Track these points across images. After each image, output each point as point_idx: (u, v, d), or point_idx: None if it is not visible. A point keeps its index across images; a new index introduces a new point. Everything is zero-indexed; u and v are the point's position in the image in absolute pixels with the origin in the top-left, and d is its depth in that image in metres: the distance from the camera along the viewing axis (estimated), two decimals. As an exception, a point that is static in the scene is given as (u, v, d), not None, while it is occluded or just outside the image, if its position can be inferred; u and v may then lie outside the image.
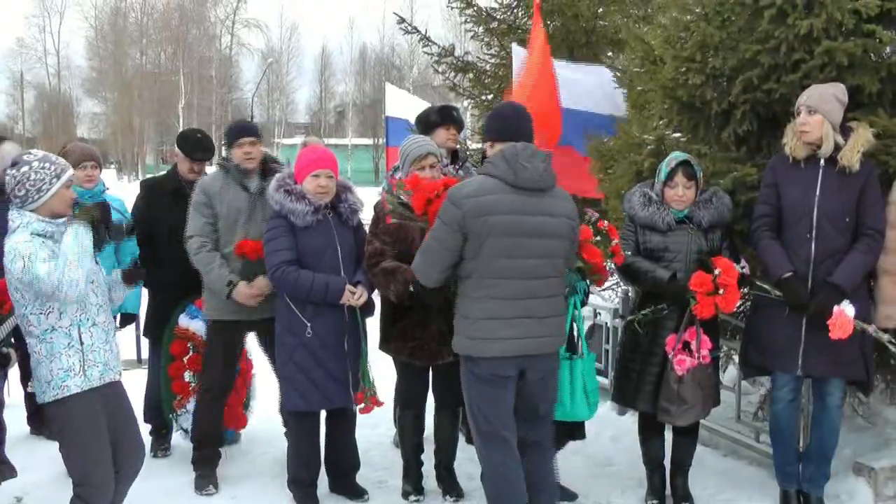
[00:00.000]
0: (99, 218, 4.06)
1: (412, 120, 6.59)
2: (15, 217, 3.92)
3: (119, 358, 4.22)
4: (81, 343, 3.97)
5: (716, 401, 4.95)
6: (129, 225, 4.96)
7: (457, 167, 5.80)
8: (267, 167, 5.37)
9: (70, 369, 3.94)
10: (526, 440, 4.27)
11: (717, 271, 4.59)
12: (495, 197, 3.97)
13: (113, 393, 4.14)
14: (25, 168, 3.91)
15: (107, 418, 4.07)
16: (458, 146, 6.03)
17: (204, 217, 5.20)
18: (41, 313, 3.91)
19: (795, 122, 4.62)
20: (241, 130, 5.33)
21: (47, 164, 3.95)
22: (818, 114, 4.51)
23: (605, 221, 4.56)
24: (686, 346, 4.71)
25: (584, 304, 4.58)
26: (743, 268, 4.69)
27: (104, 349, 4.07)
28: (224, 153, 5.44)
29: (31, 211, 3.91)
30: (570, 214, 4.17)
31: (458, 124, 5.98)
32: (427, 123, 5.83)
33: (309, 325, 4.73)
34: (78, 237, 3.87)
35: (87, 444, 3.99)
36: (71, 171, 4.06)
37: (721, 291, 4.57)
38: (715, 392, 4.94)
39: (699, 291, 4.59)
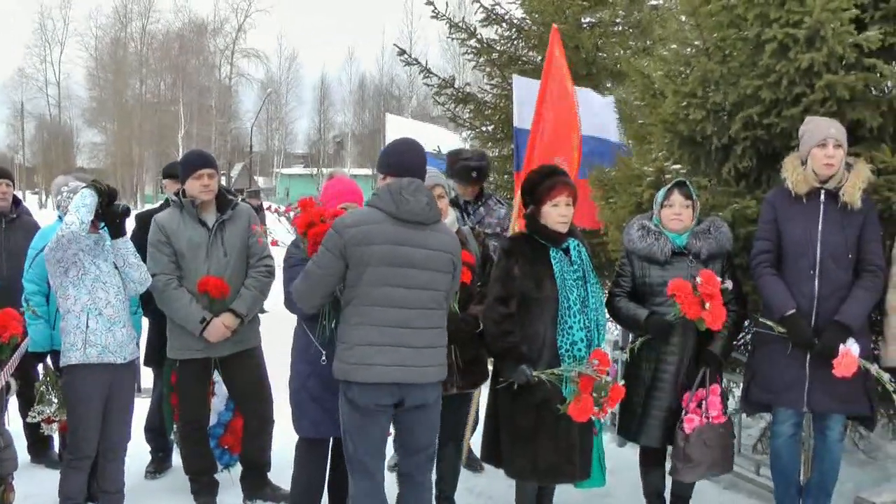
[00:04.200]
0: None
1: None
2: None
3: (125, 347, 4.91)
4: (87, 327, 4.78)
5: (729, 464, 4.91)
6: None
7: (478, 204, 6.24)
8: (222, 200, 5.35)
9: (73, 345, 4.78)
10: (404, 472, 4.41)
11: (697, 279, 4.57)
12: (376, 227, 4.10)
13: (115, 375, 4.89)
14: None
15: (105, 396, 4.86)
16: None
17: (165, 255, 5.18)
18: (62, 298, 4.82)
19: (816, 154, 4.50)
20: (200, 161, 5.29)
21: None
22: (841, 148, 4.51)
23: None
24: (700, 405, 4.71)
25: None
26: (724, 283, 4.63)
27: (106, 335, 4.81)
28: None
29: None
30: (450, 249, 4.27)
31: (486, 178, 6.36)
32: (459, 175, 6.07)
33: (324, 352, 4.62)
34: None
35: (80, 414, 4.85)
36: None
37: (707, 306, 4.54)
38: (730, 452, 4.88)
39: (678, 294, 4.57)
